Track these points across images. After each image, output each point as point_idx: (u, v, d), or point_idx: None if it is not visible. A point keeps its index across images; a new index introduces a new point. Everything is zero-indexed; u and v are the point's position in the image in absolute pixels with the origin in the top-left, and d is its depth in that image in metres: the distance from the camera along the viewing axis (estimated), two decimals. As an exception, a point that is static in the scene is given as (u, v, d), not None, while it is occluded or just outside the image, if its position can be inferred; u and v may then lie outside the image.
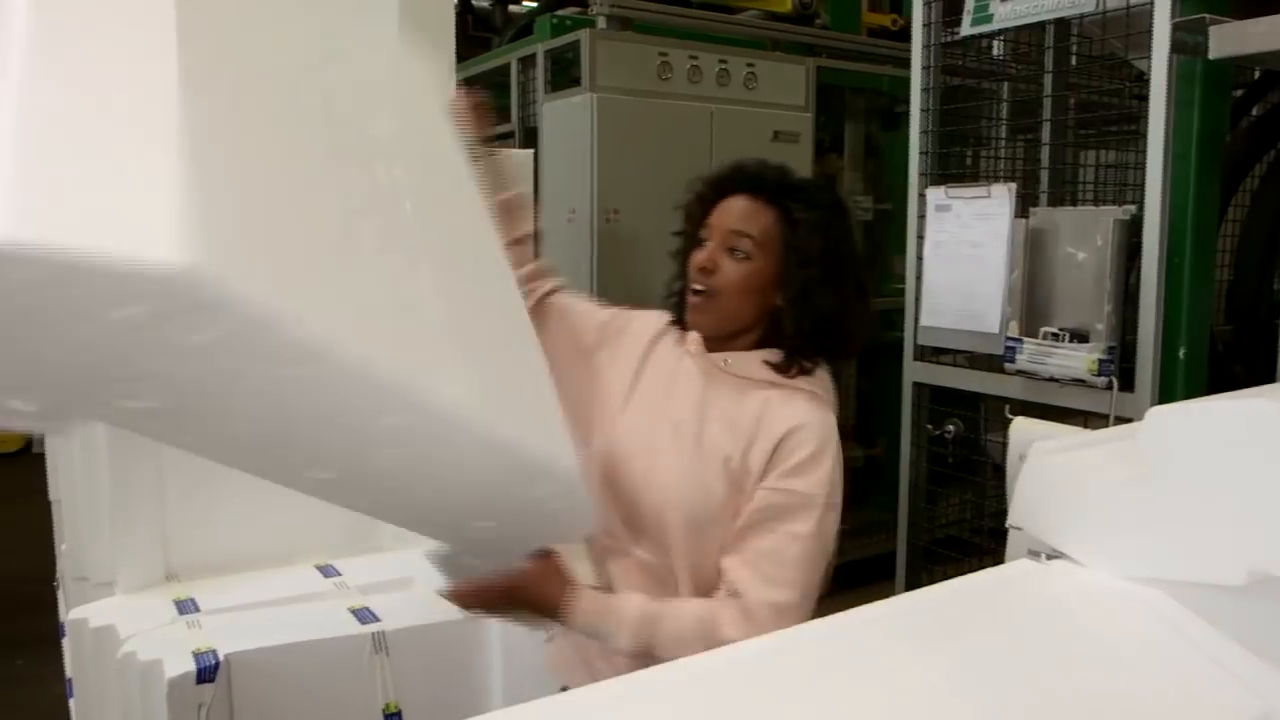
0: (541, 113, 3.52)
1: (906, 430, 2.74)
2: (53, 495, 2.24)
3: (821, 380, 1.35)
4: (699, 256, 1.33)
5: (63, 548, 2.04)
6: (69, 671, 1.90)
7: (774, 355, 1.34)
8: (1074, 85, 2.81)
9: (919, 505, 2.78)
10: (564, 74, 3.55)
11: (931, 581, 1.03)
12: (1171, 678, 0.88)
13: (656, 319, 1.46)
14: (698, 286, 1.33)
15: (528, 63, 3.69)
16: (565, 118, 3.36)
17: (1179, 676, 0.88)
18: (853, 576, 3.76)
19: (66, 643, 1.95)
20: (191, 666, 1.46)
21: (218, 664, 1.47)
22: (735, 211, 1.33)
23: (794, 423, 1.28)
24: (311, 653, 1.54)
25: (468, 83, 2.06)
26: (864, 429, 4.37)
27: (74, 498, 1.83)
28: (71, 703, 1.88)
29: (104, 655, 1.61)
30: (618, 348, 1.44)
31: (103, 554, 1.73)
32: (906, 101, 2.70)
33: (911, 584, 2.75)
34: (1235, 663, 0.88)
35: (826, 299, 1.31)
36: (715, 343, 1.36)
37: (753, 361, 1.34)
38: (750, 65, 3.58)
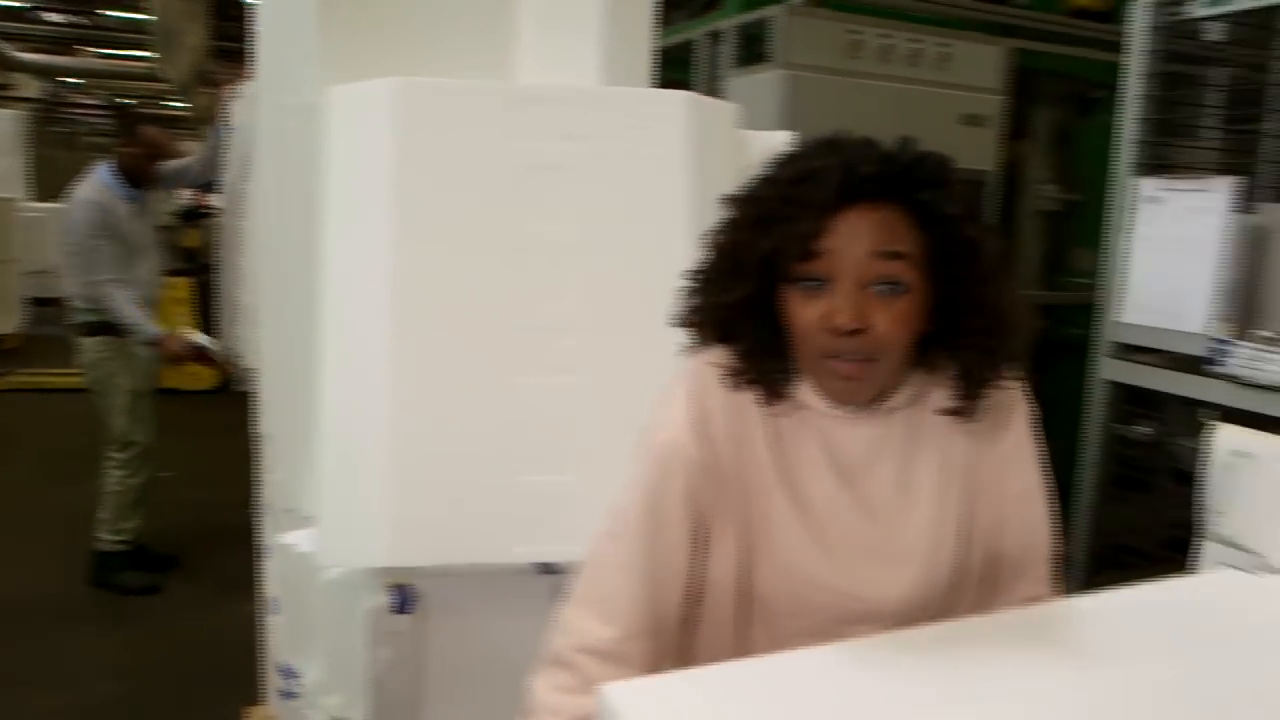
0: (728, 89, 3.52)
1: (1093, 430, 2.63)
2: (262, 429, 2.42)
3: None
4: (835, 314, 0.95)
5: (271, 478, 2.21)
6: (272, 591, 2.06)
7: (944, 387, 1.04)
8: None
9: (1100, 508, 2.68)
10: (752, 49, 3.54)
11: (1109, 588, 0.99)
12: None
13: (718, 410, 1.05)
14: (848, 357, 0.97)
15: (715, 38, 3.69)
16: (752, 94, 3.35)
17: None
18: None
19: (270, 564, 2.11)
20: (389, 598, 1.56)
21: (415, 597, 1.57)
22: (869, 232, 0.95)
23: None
24: (497, 591, 1.61)
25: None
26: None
27: (289, 434, 1.97)
28: (273, 620, 2.04)
29: (309, 580, 1.74)
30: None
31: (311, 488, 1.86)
32: (1103, 86, 2.57)
33: (1089, 589, 2.66)
34: None
35: (995, 294, 1.00)
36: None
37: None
38: (944, 45, 3.48)
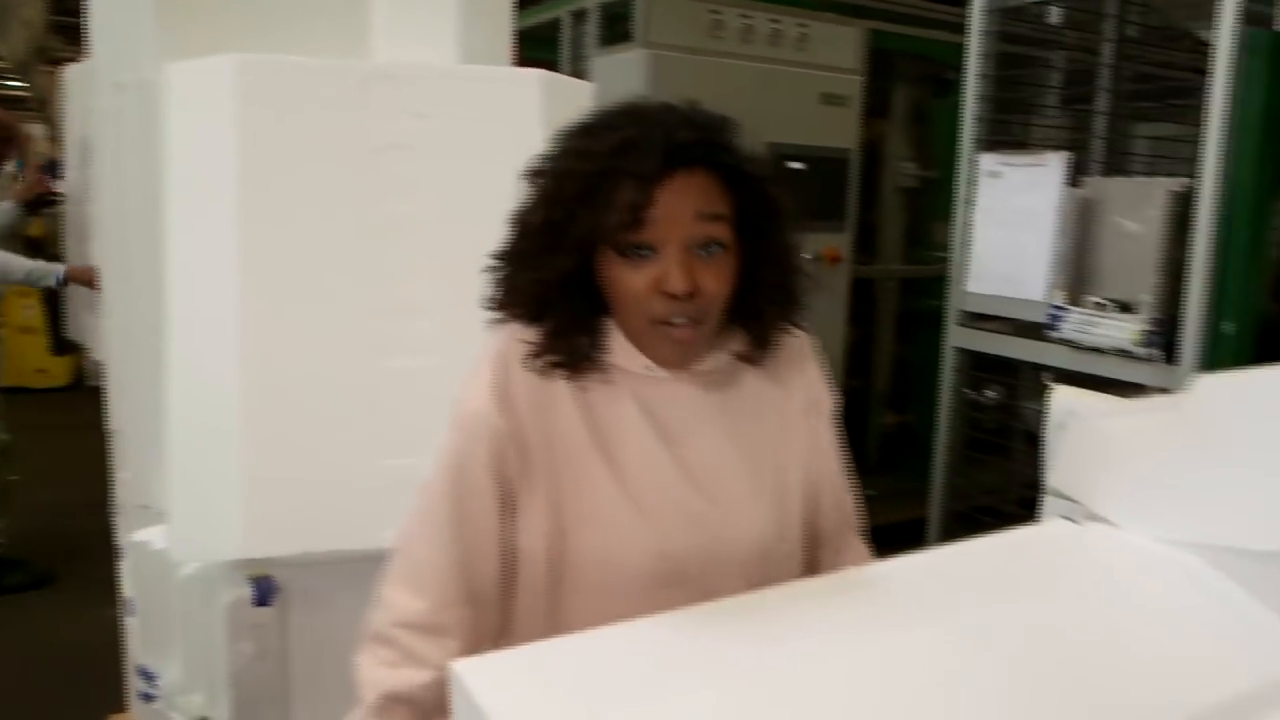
0: (592, 68, 3.52)
1: (946, 395, 2.75)
2: (113, 425, 2.32)
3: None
4: (668, 278, 0.97)
5: (123, 475, 2.12)
6: (128, 592, 1.98)
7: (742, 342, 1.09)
8: (1133, 56, 2.77)
9: (955, 471, 2.81)
10: (615, 29, 3.55)
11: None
12: (1203, 637, 0.90)
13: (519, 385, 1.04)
14: (679, 320, 0.99)
15: (579, 17, 3.69)
16: (616, 73, 3.36)
17: (1211, 637, 0.90)
18: (881, 541, 3.79)
19: (125, 564, 2.03)
20: (249, 590, 1.52)
21: (275, 589, 1.53)
22: (692, 196, 0.97)
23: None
24: (361, 578, 1.59)
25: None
26: (897, 395, 4.39)
27: (139, 429, 1.89)
28: (131, 621, 1.97)
29: (165, 577, 1.69)
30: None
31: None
32: (957, 68, 2.68)
33: (944, 548, 2.79)
34: (1266, 626, 0.91)
35: (792, 248, 1.06)
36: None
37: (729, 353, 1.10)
38: (803, 26, 3.56)
